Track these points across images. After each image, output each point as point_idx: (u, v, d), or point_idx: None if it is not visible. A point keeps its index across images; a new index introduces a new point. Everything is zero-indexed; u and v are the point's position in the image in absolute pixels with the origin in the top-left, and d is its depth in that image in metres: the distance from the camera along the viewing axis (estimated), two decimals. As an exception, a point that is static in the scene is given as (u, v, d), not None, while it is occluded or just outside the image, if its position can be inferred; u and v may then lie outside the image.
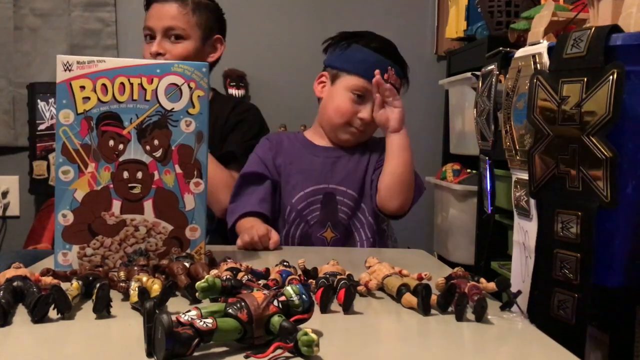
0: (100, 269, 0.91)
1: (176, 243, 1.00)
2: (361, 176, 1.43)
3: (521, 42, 1.49)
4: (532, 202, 0.98)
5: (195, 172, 1.00)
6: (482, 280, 0.86)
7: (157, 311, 0.61)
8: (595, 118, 0.84)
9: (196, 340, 0.60)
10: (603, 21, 0.98)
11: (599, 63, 0.85)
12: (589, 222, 0.86)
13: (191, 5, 1.59)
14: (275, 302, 0.65)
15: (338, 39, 1.47)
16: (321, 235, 1.40)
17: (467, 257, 2.12)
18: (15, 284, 0.79)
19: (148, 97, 0.97)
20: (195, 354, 0.61)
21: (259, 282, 0.86)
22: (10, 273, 0.81)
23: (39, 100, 2.37)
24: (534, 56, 0.98)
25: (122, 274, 0.87)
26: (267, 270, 0.93)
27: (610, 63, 0.84)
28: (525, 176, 0.99)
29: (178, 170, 0.99)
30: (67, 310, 0.74)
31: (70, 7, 2.55)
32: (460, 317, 0.78)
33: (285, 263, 0.94)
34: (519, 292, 0.87)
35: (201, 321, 0.60)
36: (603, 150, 0.84)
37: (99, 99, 0.96)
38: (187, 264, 0.88)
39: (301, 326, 0.64)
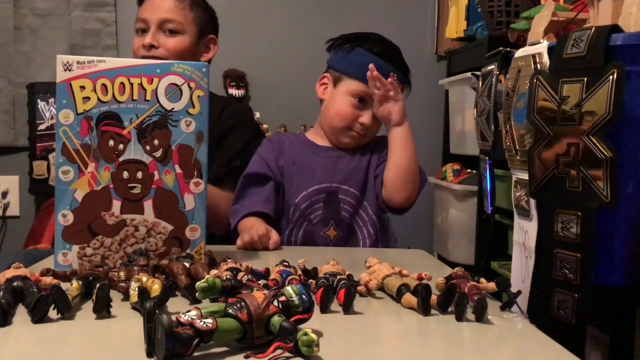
0: (100, 269, 0.91)
1: (176, 243, 1.00)
2: (363, 174, 1.44)
3: (521, 42, 1.49)
4: (532, 202, 0.98)
5: (195, 172, 1.00)
6: (482, 280, 0.86)
7: (157, 311, 0.61)
8: (595, 118, 0.84)
9: (196, 340, 0.60)
10: (603, 21, 0.98)
11: (599, 63, 0.85)
12: (589, 222, 0.86)
13: (188, 0, 1.57)
14: (275, 302, 0.65)
15: (342, 41, 1.46)
16: (324, 234, 1.40)
17: (467, 257, 2.12)
18: (15, 284, 0.79)
19: (148, 97, 0.97)
20: (195, 354, 0.61)
21: (259, 282, 0.86)
22: (10, 273, 0.81)
23: (39, 100, 2.37)
24: (534, 56, 0.98)
25: (122, 274, 0.87)
26: (267, 270, 0.93)
27: (610, 63, 0.84)
28: (525, 176, 0.99)
29: (178, 170, 0.99)
30: (67, 310, 0.74)
31: (70, 7, 2.55)
32: (460, 317, 0.78)
33: (285, 263, 0.94)
34: (519, 292, 0.87)
35: (201, 321, 0.60)
36: (603, 150, 0.84)
37: (99, 99, 0.96)
38: (187, 264, 0.88)
39: (301, 326, 0.64)
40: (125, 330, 0.72)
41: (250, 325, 0.63)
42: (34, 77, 2.48)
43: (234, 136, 1.59)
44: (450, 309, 0.80)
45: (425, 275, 0.90)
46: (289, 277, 0.87)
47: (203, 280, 0.76)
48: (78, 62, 0.96)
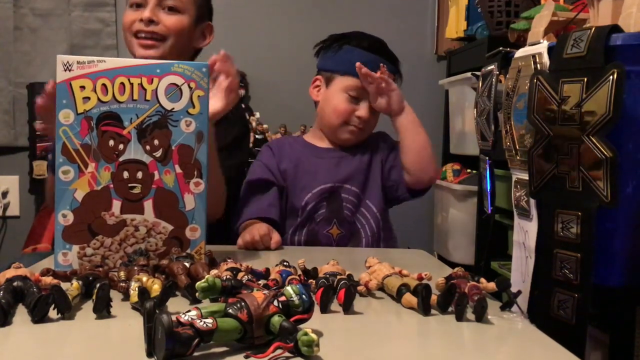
0: (100, 269, 0.91)
1: (176, 243, 1.00)
2: (365, 173, 1.44)
3: (521, 42, 1.49)
4: (532, 202, 0.98)
5: (196, 172, 1.00)
6: (482, 280, 0.86)
7: (157, 311, 0.61)
8: (595, 118, 0.84)
9: (196, 340, 0.60)
10: (603, 21, 0.98)
11: (599, 63, 0.85)
12: (589, 222, 0.86)
13: None
14: (275, 302, 0.65)
15: (329, 42, 1.49)
16: (327, 232, 1.41)
17: (467, 257, 2.12)
18: (15, 284, 0.78)
19: (148, 97, 0.97)
20: (195, 354, 0.61)
21: (259, 282, 0.86)
22: (10, 273, 0.81)
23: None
24: (534, 56, 0.98)
25: (122, 274, 0.87)
26: (267, 270, 0.93)
27: (610, 63, 0.84)
28: (525, 176, 0.99)
29: (178, 170, 0.99)
30: (67, 310, 0.74)
31: (70, 7, 2.55)
32: (460, 317, 0.78)
33: (285, 263, 0.94)
34: (519, 292, 0.87)
35: (201, 321, 0.60)
36: (603, 150, 0.84)
37: (99, 99, 0.96)
38: (187, 264, 0.88)
39: (301, 326, 0.64)
40: (125, 330, 0.72)
41: (250, 325, 0.63)
42: (34, 77, 2.48)
43: (221, 128, 1.56)
44: (450, 309, 0.80)
45: (425, 275, 0.90)
46: (289, 277, 0.87)
47: (203, 280, 0.76)
48: (78, 62, 0.96)
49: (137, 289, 0.78)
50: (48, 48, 2.51)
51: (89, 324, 0.73)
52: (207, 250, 1.02)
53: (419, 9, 2.70)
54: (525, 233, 1.02)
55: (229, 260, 0.95)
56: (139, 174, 0.98)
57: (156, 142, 0.98)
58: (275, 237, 1.29)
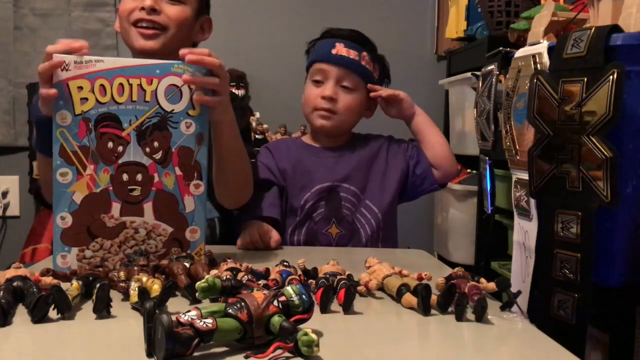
0: (100, 269, 0.91)
1: (176, 245, 0.99)
2: (365, 173, 1.44)
3: (521, 42, 1.49)
4: (532, 202, 0.98)
5: (195, 174, 0.99)
6: (482, 280, 0.86)
7: (157, 311, 0.61)
8: (595, 118, 0.84)
9: (196, 340, 0.60)
10: (603, 21, 0.98)
11: (599, 63, 0.85)
12: (589, 222, 0.86)
13: None
14: (275, 302, 0.65)
15: (312, 42, 1.52)
16: (326, 232, 1.41)
17: (467, 257, 2.12)
18: (15, 284, 0.79)
19: (147, 98, 0.97)
20: (195, 354, 0.61)
21: (259, 282, 0.86)
22: (10, 273, 0.81)
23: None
24: (534, 56, 0.98)
25: (122, 274, 0.87)
26: (267, 270, 0.93)
27: (610, 63, 0.84)
28: (525, 176, 0.99)
29: (178, 172, 0.99)
30: (67, 310, 0.74)
31: (70, 7, 2.55)
32: (460, 317, 0.78)
33: (285, 263, 0.94)
34: (519, 292, 0.87)
35: (201, 321, 0.60)
36: (603, 150, 0.84)
37: (97, 100, 0.95)
38: (187, 264, 0.88)
39: (301, 326, 0.64)
40: (125, 330, 0.72)
41: (250, 325, 0.63)
42: (34, 77, 2.45)
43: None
44: (450, 309, 0.80)
45: (425, 275, 0.90)
46: (289, 277, 0.87)
47: (203, 280, 0.76)
48: (75, 62, 0.95)
49: (137, 289, 0.78)
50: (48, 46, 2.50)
51: (89, 324, 0.73)
52: (207, 250, 1.02)
53: (419, 9, 2.70)
54: (525, 233, 1.02)
55: (229, 260, 0.95)
56: (139, 176, 0.98)
57: (156, 144, 0.98)
58: (275, 236, 1.29)
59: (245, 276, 0.87)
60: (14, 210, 2.61)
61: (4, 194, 2.59)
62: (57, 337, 0.70)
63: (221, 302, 0.70)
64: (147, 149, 0.98)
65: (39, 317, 0.72)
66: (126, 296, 0.82)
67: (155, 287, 0.80)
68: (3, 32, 2.53)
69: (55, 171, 0.96)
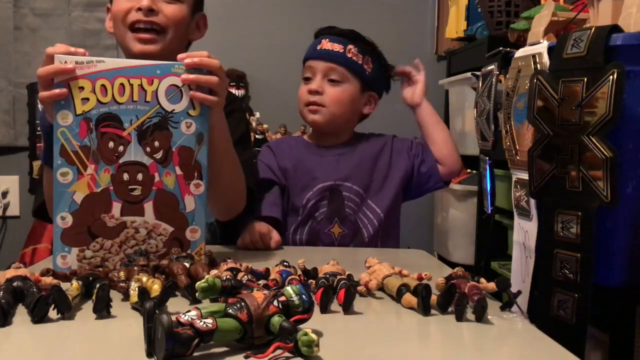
0: (100, 269, 0.90)
1: (177, 244, 0.99)
2: (368, 172, 1.44)
3: (521, 42, 1.49)
4: (532, 202, 0.98)
5: (196, 174, 0.99)
6: (482, 280, 0.86)
7: (157, 311, 0.61)
8: (595, 118, 0.84)
9: (196, 341, 0.60)
10: (603, 21, 0.98)
11: (599, 63, 0.85)
12: (589, 222, 0.86)
13: None
14: (275, 302, 0.65)
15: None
16: (329, 231, 1.41)
17: (467, 257, 2.12)
18: (15, 284, 0.78)
19: (148, 99, 0.97)
20: (195, 354, 0.61)
21: (259, 282, 0.86)
22: (10, 273, 0.81)
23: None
24: (534, 56, 0.98)
25: (122, 274, 0.87)
26: (267, 270, 0.93)
27: (610, 63, 0.84)
28: (525, 176, 0.99)
29: (178, 171, 0.99)
30: (67, 310, 0.74)
31: (70, 7, 2.55)
32: (460, 317, 0.78)
33: (285, 263, 0.94)
34: (519, 292, 0.87)
35: (201, 321, 0.60)
36: (603, 150, 0.84)
37: (98, 100, 0.96)
38: (187, 264, 0.88)
39: (301, 326, 0.64)
40: (125, 330, 0.72)
41: (250, 326, 0.63)
42: (34, 77, 2.44)
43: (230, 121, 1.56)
44: (450, 309, 0.80)
45: (425, 275, 0.90)
46: (289, 277, 0.87)
47: (203, 280, 0.76)
48: (77, 62, 0.96)
49: (137, 289, 0.78)
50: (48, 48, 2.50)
51: (89, 324, 0.73)
52: (207, 250, 1.02)
53: (419, 9, 2.70)
54: (525, 233, 1.02)
55: (229, 261, 0.95)
56: (139, 176, 0.98)
57: (156, 143, 0.98)
58: (275, 236, 1.29)
59: (245, 276, 0.87)
60: (14, 210, 2.61)
61: (4, 194, 2.59)
62: (57, 337, 0.70)
63: (221, 302, 0.71)
64: (148, 149, 0.98)
65: (39, 317, 0.72)
66: (126, 296, 0.82)
67: (155, 287, 0.80)
68: (3, 32, 2.53)
69: (56, 171, 0.96)
